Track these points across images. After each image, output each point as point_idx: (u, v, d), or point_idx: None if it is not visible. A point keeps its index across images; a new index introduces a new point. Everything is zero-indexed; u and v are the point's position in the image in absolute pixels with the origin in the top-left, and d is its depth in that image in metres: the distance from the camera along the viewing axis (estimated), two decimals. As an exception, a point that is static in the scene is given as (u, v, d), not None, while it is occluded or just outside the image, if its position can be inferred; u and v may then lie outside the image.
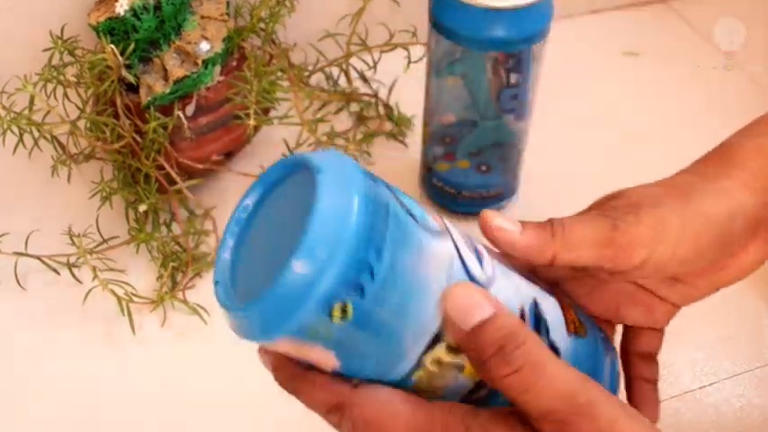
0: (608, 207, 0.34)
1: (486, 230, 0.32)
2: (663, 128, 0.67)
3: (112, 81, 0.53)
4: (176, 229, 0.58)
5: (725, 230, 0.34)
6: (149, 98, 0.54)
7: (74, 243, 0.53)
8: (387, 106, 0.67)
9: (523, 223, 0.32)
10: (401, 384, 0.29)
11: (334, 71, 0.67)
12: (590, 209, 0.35)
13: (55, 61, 0.54)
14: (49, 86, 0.55)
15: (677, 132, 0.67)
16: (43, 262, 0.54)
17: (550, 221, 0.32)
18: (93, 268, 0.52)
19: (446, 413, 0.28)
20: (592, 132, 0.68)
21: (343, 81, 0.67)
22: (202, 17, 0.57)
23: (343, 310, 0.25)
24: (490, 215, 0.32)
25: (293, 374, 0.30)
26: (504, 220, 0.32)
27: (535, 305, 0.31)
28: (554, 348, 0.31)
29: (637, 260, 0.33)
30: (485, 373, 0.27)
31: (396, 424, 0.28)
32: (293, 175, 0.29)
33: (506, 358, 0.26)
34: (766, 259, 0.37)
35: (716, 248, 0.34)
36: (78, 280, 0.54)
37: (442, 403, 0.29)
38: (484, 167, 0.57)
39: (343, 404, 0.29)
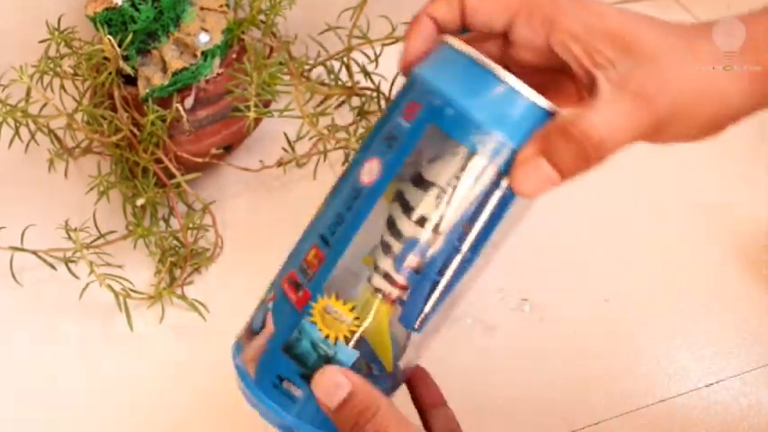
0: (640, 81, 0.31)
1: (526, 196, 0.31)
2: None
3: (110, 73, 0.53)
4: (175, 223, 0.57)
5: (722, 123, 0.33)
6: (147, 90, 0.53)
7: (70, 238, 0.53)
8: (389, 100, 0.66)
9: (559, 164, 0.31)
10: None
11: (336, 65, 0.66)
12: (616, 80, 0.32)
13: (52, 53, 0.54)
14: (46, 78, 0.54)
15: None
16: (39, 257, 0.54)
17: (590, 144, 0.30)
18: (91, 263, 0.51)
19: None
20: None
21: (344, 75, 0.66)
22: (202, 8, 0.56)
23: None
24: (525, 187, 0.31)
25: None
26: (542, 186, 0.31)
27: None
28: None
29: (663, 133, 0.32)
30: None
31: None
32: None
33: (365, 429, 0.32)
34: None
35: (705, 133, 0.33)
36: (75, 275, 0.53)
37: None
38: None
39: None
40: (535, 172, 0.30)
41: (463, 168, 0.31)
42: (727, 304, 0.54)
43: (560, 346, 0.52)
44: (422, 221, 0.31)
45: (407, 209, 0.32)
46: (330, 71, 0.65)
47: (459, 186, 0.31)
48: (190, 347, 0.52)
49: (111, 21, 0.52)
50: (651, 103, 0.31)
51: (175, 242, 0.56)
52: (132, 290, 0.52)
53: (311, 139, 0.59)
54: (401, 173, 0.32)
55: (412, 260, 0.32)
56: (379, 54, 0.64)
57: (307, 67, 0.65)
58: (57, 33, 0.53)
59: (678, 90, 0.31)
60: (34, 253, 0.54)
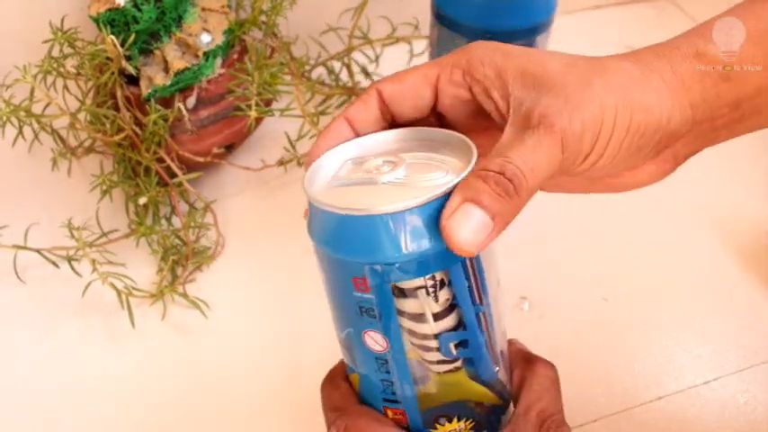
0: (541, 111, 0.31)
1: (470, 255, 0.30)
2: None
3: (113, 73, 0.53)
4: (176, 222, 0.58)
5: (647, 140, 0.32)
6: (150, 90, 0.54)
7: (73, 236, 0.53)
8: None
9: (487, 207, 0.29)
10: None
11: (336, 65, 0.67)
12: (520, 119, 0.31)
13: (55, 53, 0.54)
14: (49, 78, 0.54)
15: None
16: (43, 255, 0.54)
17: (512, 184, 0.29)
18: (93, 261, 0.52)
19: None
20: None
21: (344, 75, 0.66)
22: (203, 9, 0.56)
23: None
24: (465, 242, 0.29)
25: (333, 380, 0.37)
26: (478, 236, 0.29)
27: None
28: None
29: (581, 159, 0.32)
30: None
31: None
32: None
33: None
34: (656, 180, 0.36)
35: (633, 156, 0.33)
36: (78, 273, 0.54)
37: None
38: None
39: (345, 409, 0.35)
40: (467, 219, 0.29)
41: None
42: (726, 303, 0.54)
43: (559, 344, 0.52)
44: (436, 317, 0.32)
45: (415, 317, 0.32)
46: (331, 71, 0.66)
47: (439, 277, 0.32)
48: (191, 345, 0.52)
49: (114, 21, 0.52)
50: (554, 125, 0.30)
51: (177, 241, 0.56)
52: (134, 288, 0.53)
53: (312, 138, 0.60)
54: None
55: (454, 344, 0.33)
56: (380, 54, 0.64)
57: (307, 68, 0.65)
58: (60, 34, 0.54)
59: (585, 107, 0.31)
60: (37, 251, 0.54)
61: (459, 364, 0.33)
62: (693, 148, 0.35)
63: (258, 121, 0.59)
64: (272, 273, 0.57)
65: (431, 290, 0.31)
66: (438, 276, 0.31)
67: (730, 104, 0.33)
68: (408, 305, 0.32)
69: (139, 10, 0.52)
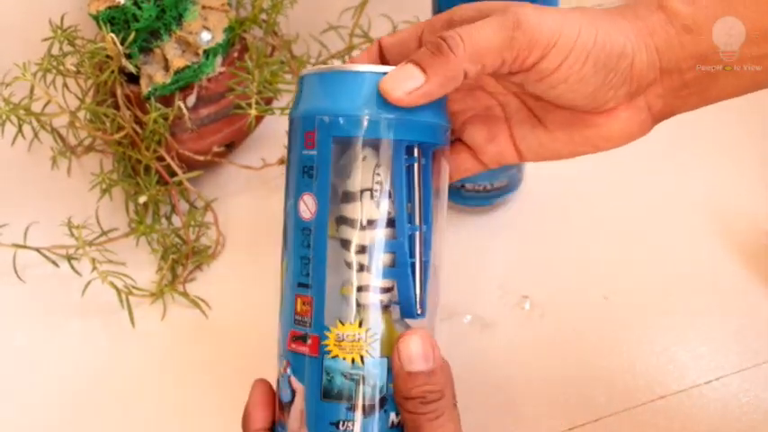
0: (512, 6, 0.34)
1: (396, 102, 0.33)
2: (664, 123, 0.67)
3: (113, 71, 0.53)
4: (176, 221, 0.58)
5: (613, 63, 0.34)
6: (150, 88, 0.54)
7: (73, 235, 0.53)
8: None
9: (420, 62, 0.32)
10: None
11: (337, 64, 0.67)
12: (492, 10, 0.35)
13: (55, 51, 0.54)
14: (49, 77, 0.54)
15: (678, 127, 0.66)
16: (42, 254, 0.54)
17: (446, 43, 0.32)
18: (93, 260, 0.52)
19: None
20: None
21: (345, 74, 0.66)
22: (204, 7, 0.56)
23: None
24: (389, 86, 0.32)
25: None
26: (404, 83, 0.32)
27: None
28: None
29: (530, 62, 0.33)
30: (403, 402, 0.33)
31: None
32: None
33: (425, 406, 0.33)
34: (634, 133, 0.37)
35: (600, 77, 0.34)
36: (78, 272, 0.54)
37: None
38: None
39: None
40: (400, 70, 0.32)
41: (377, 162, 0.34)
42: (727, 302, 0.54)
43: (560, 344, 0.52)
44: (372, 224, 0.34)
45: (354, 224, 0.34)
46: (331, 70, 0.66)
47: (382, 175, 0.34)
48: (191, 344, 0.52)
49: (114, 19, 0.52)
50: (508, 10, 0.33)
51: (177, 240, 0.56)
52: (134, 287, 0.53)
53: (312, 137, 0.59)
54: (331, 197, 0.34)
55: (383, 260, 0.34)
56: (381, 53, 0.64)
57: (308, 66, 0.65)
58: (60, 32, 0.53)
59: (545, 12, 0.33)
60: (37, 250, 0.54)
61: (386, 300, 0.34)
62: (666, 103, 0.36)
63: (258, 119, 0.59)
64: (273, 271, 0.56)
65: (375, 193, 0.34)
66: (386, 186, 0.34)
67: (696, 57, 0.34)
68: (348, 210, 0.34)
69: (139, 8, 0.52)
